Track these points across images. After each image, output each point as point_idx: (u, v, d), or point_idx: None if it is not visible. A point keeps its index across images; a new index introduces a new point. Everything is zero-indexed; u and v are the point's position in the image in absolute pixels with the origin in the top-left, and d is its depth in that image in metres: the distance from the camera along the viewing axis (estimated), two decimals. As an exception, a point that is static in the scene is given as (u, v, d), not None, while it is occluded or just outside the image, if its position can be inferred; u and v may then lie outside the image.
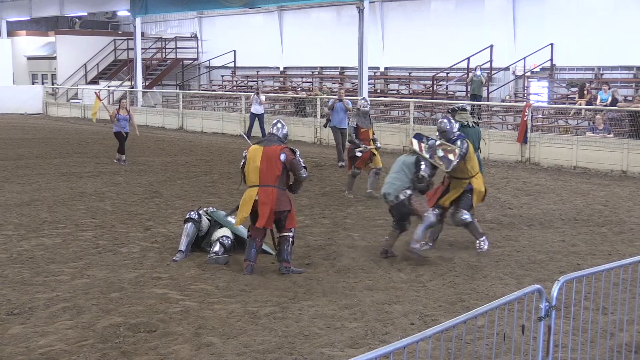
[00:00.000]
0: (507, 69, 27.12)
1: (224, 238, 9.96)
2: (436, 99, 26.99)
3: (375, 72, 30.98)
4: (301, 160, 9.46)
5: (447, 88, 28.81)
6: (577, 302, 5.80)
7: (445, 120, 10.65)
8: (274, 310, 7.77)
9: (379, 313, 7.72)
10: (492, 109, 26.15)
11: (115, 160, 19.36)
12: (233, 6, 31.42)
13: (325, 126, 20.64)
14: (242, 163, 9.60)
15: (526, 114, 20.49)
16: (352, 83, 30.94)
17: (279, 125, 9.72)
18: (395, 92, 31.07)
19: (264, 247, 10.18)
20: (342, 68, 32.93)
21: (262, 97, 26.31)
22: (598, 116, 20.21)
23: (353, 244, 10.85)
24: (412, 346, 4.37)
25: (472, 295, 8.32)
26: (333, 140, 22.81)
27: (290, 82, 35.44)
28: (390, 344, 4.25)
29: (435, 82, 27.99)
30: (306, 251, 10.31)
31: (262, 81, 36.55)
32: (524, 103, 22.10)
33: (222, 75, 38.70)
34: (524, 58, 26.10)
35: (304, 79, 34.77)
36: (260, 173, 9.25)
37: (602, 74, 25.47)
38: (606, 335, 6.74)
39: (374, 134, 15.53)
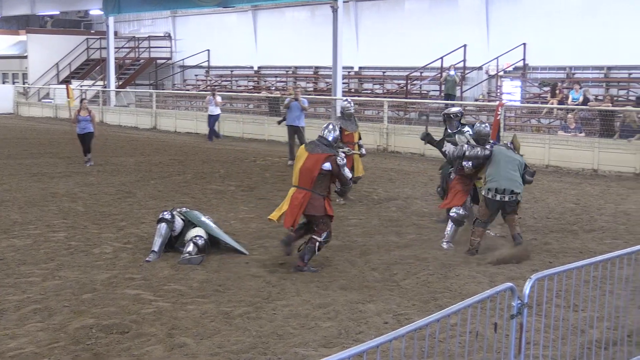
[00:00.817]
0: (480, 68, 27.30)
1: (198, 238, 9.92)
2: (410, 98, 27.10)
3: (349, 72, 31.03)
4: (346, 171, 9.64)
5: (421, 87, 28.93)
6: (548, 300, 5.83)
7: (483, 125, 10.89)
8: (248, 311, 7.75)
9: (352, 312, 7.72)
10: (466, 108, 26.25)
11: (85, 163, 19.10)
12: (207, 5, 31.29)
13: (279, 123, 20.42)
14: None
15: (499, 113, 20.52)
16: (327, 82, 30.95)
17: (330, 127, 9.82)
18: (369, 91, 31.13)
19: (238, 247, 10.18)
20: (317, 67, 32.95)
21: (218, 98, 26.20)
22: (570, 115, 20.43)
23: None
24: (386, 345, 4.36)
25: (445, 294, 8.35)
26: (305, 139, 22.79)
27: (265, 81, 35.39)
28: (363, 343, 4.24)
29: (409, 81, 28.09)
30: (280, 251, 10.27)
31: (236, 80, 36.45)
32: (497, 102, 22.22)
33: (196, 75, 38.53)
34: (497, 58, 26.27)
35: (278, 79, 34.74)
36: (300, 175, 9.46)
37: (573, 74, 25.71)
38: (577, 332, 6.79)
39: (360, 138, 14.63)
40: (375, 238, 11.22)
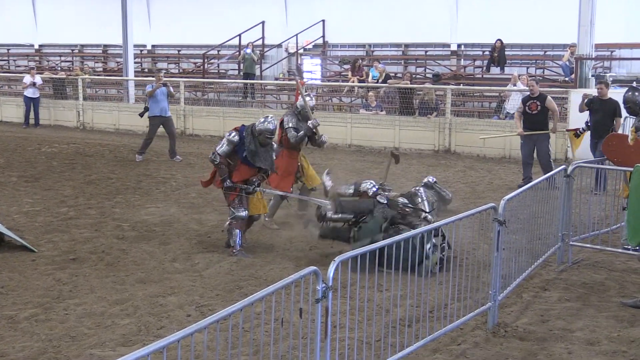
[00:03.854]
0: (279, 46, 27.21)
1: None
2: (207, 78, 26.56)
3: (141, 50, 30.03)
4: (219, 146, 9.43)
5: (218, 66, 28.53)
6: (353, 282, 5.79)
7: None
8: (36, 313, 7.17)
9: (152, 307, 7.35)
10: (266, 87, 26.20)
11: None
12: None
13: (141, 115, 17.80)
14: None
15: (301, 92, 20.59)
16: (117, 62, 29.73)
17: (261, 119, 9.60)
18: (164, 71, 30.23)
19: (25, 243, 9.40)
20: (105, 46, 31.49)
21: (38, 78, 24.49)
22: (370, 93, 20.71)
23: (123, 234, 10.29)
24: (187, 339, 4.15)
25: (250, 282, 8.15)
26: (98, 125, 21.68)
27: (48, 61, 33.23)
28: (163, 339, 3.99)
29: (206, 60, 27.57)
30: (71, 245, 9.63)
31: (15, 60, 33.95)
32: (298, 80, 22.25)
33: (-35, 55, 35.50)
34: (296, 35, 26.27)
35: (63, 58, 32.80)
36: None
37: (372, 51, 26.33)
38: (382, 311, 6.83)
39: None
40: (174, 226, 10.79)
